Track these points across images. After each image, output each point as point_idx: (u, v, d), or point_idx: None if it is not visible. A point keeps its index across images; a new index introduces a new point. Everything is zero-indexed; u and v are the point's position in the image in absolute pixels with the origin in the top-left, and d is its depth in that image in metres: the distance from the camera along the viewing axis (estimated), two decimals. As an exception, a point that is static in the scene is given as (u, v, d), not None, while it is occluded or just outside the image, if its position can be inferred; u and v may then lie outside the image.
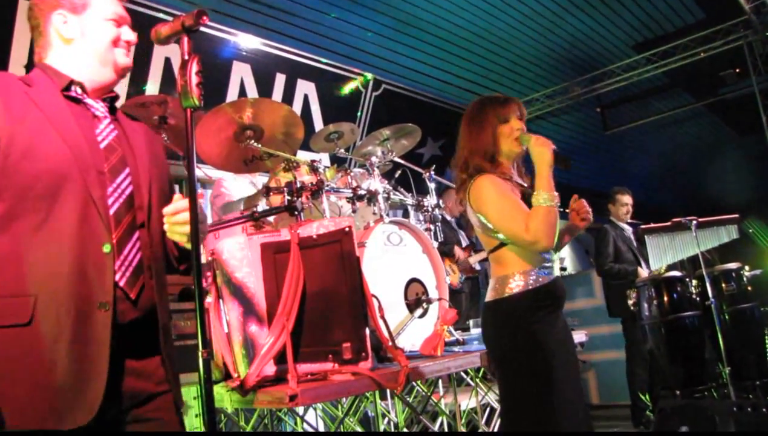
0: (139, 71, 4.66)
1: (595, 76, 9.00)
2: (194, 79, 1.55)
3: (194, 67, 1.56)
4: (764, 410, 3.30)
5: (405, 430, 3.98)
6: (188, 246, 1.64)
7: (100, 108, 1.71)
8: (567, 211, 2.56)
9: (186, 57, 1.57)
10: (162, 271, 1.73)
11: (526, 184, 2.51)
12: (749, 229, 11.81)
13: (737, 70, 8.79)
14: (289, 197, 3.23)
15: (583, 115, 10.31)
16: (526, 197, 2.39)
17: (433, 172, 4.26)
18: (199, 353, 1.44)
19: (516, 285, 2.33)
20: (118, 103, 1.85)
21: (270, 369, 2.61)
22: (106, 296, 1.52)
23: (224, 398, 2.58)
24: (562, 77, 9.04)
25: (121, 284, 1.57)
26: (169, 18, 1.64)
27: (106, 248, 1.55)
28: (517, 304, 2.32)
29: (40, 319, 1.46)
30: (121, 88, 4.38)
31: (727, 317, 5.04)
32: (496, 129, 2.44)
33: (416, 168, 4.35)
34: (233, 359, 2.66)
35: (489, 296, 2.43)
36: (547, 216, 2.24)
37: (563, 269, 4.68)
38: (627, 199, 5.81)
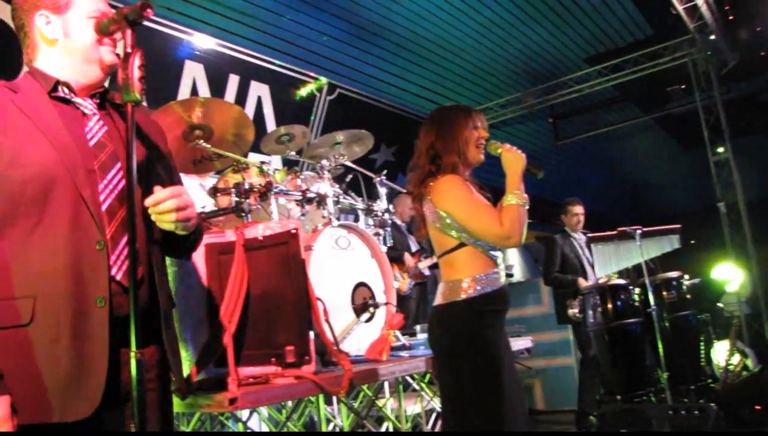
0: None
1: (548, 87, 9.17)
2: (136, 73, 1.54)
3: (137, 61, 1.54)
4: (696, 412, 3.41)
5: None
6: (181, 233, 1.67)
7: (88, 105, 1.71)
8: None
9: (128, 50, 1.55)
10: (161, 260, 1.75)
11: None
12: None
13: (683, 86, 9.06)
14: (236, 199, 3.21)
15: (536, 125, 10.50)
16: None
17: (384, 177, 4.27)
18: (132, 354, 1.42)
19: (468, 289, 2.38)
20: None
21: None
22: (102, 292, 1.55)
23: (164, 401, 2.53)
24: (516, 87, 9.18)
25: (118, 277, 1.58)
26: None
27: (99, 245, 1.57)
28: (470, 308, 2.36)
29: (40, 319, 1.51)
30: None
31: (667, 324, 5.19)
32: (468, 133, 2.52)
33: (367, 172, 4.35)
34: (174, 362, 2.62)
35: (439, 300, 2.46)
36: (519, 213, 2.36)
37: (510, 275, 4.75)
38: (578, 209, 5.93)
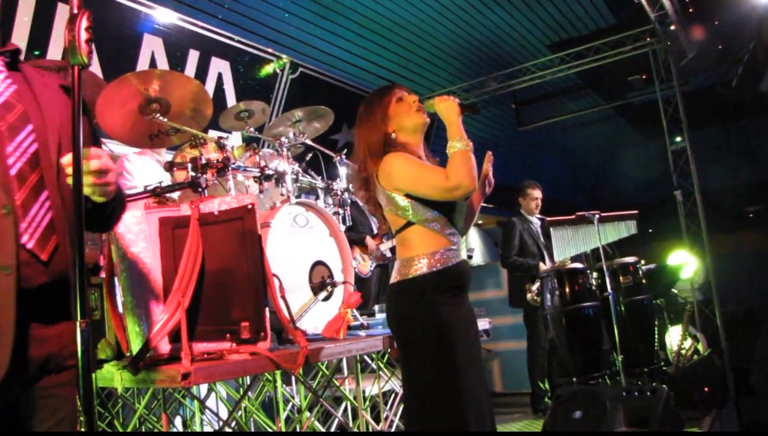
0: (38, 34, 4.36)
1: (511, 73, 9.18)
2: (83, 35, 1.47)
3: (84, 23, 1.48)
4: (648, 393, 3.47)
5: (307, 413, 3.96)
6: (99, 199, 1.57)
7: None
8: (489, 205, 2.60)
9: (75, 11, 1.49)
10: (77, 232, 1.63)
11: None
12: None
13: (644, 76, 9.18)
14: (193, 173, 3.14)
15: (498, 110, 10.54)
16: None
17: (344, 157, 4.24)
18: (77, 324, 1.36)
19: (421, 266, 2.32)
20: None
21: (164, 347, 2.53)
22: (7, 259, 1.45)
23: (115, 377, 2.48)
24: (479, 72, 9.18)
25: (29, 246, 1.49)
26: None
27: (6, 210, 1.47)
28: (422, 285, 2.31)
29: None
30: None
31: (623, 308, 5.28)
32: (392, 109, 2.47)
33: (327, 151, 4.31)
34: (126, 337, 2.57)
35: (393, 278, 2.42)
36: (464, 158, 2.29)
37: (469, 257, 4.76)
38: (537, 193, 5.98)
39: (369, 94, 2.62)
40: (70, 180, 1.50)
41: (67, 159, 1.48)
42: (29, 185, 1.54)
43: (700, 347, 6.48)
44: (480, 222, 12.57)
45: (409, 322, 2.34)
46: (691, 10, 7.92)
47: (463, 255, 2.46)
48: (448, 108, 2.41)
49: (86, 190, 1.51)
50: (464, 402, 2.23)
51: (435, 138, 4.56)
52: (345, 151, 4.29)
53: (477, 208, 2.66)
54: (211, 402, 4.41)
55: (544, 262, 5.69)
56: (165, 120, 3.35)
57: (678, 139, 8.21)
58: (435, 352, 2.27)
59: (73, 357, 1.53)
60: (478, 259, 11.10)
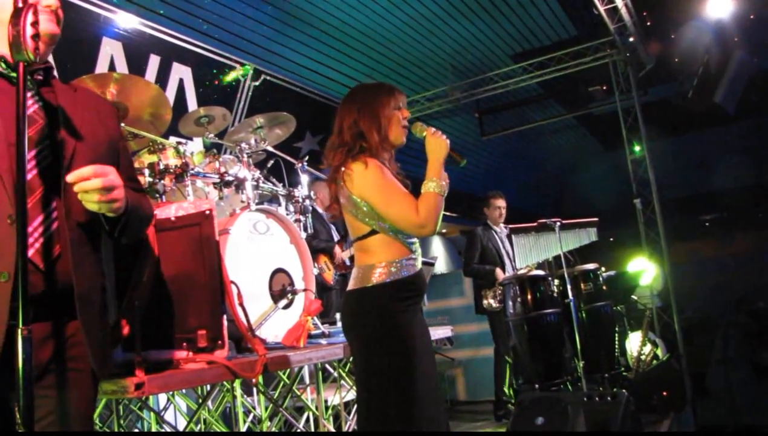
0: None
1: (474, 82, 9.25)
2: (29, 30, 1.46)
3: (30, 17, 1.47)
4: (609, 399, 3.51)
5: (268, 423, 3.90)
6: (110, 215, 1.64)
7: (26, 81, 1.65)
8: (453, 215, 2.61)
9: (20, 5, 1.47)
10: (83, 241, 1.67)
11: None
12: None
13: (604, 87, 9.32)
14: (150, 179, 3.09)
15: (462, 119, 10.60)
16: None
17: (305, 163, 4.21)
18: (19, 331, 1.36)
19: (381, 274, 2.32)
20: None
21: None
22: (6, 267, 1.51)
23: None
24: (442, 81, 9.23)
25: (28, 254, 1.52)
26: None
27: (10, 219, 1.52)
28: (382, 293, 2.31)
29: None
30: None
31: (584, 314, 5.33)
32: (390, 112, 2.44)
33: (289, 158, 4.29)
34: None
35: (352, 285, 2.40)
36: (437, 202, 2.32)
37: (433, 264, 4.75)
38: (500, 202, 6.01)
39: (376, 83, 2.60)
40: (79, 196, 1.57)
41: (71, 176, 1.53)
42: (36, 196, 1.58)
43: (659, 352, 6.59)
44: (444, 231, 12.61)
45: (368, 330, 2.32)
46: (649, 23, 8.08)
47: (420, 263, 2.47)
48: (439, 146, 2.42)
49: (93, 206, 1.58)
50: (422, 410, 2.24)
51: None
52: (307, 158, 4.26)
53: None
54: (170, 415, 4.33)
55: (504, 270, 5.72)
56: (122, 125, 3.30)
57: (637, 148, 8.36)
58: (395, 360, 2.26)
59: (72, 360, 1.64)
60: (441, 267, 11.13)
